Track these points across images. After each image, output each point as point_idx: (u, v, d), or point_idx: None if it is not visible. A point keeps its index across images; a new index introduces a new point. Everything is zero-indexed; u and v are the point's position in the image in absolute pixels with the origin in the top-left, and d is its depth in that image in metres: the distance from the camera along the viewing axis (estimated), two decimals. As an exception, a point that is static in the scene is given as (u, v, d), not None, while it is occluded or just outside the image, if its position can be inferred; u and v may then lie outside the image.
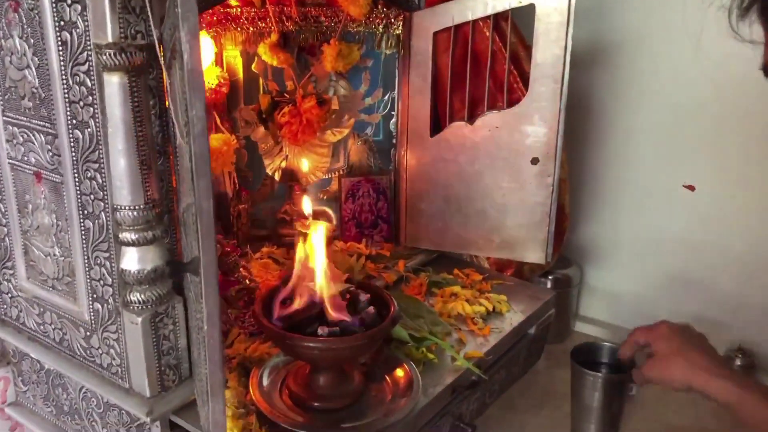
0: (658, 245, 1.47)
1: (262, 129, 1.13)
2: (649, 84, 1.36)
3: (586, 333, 1.49)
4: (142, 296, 0.75)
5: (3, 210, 0.87)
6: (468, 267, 1.19)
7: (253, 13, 1.04)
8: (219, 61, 1.07)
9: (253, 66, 1.11)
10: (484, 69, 1.08)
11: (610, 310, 1.56)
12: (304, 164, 1.18)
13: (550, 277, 1.51)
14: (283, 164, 1.17)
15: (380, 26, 1.11)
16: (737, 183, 1.32)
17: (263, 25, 1.06)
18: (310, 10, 1.08)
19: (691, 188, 1.38)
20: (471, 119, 1.10)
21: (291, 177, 1.18)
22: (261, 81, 1.13)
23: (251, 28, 1.05)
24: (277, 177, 1.17)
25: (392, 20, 1.10)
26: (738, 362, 1.35)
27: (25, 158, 0.81)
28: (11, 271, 0.90)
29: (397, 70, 1.15)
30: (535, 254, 1.11)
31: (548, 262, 1.21)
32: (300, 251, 0.83)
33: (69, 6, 0.68)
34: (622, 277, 1.53)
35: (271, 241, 1.16)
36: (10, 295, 0.91)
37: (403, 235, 1.21)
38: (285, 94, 1.12)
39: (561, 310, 1.54)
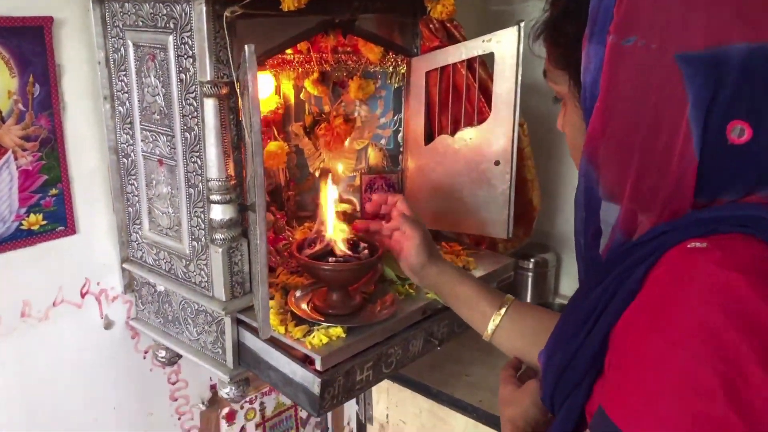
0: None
1: (306, 139, 1.60)
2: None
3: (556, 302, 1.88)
4: (222, 236, 1.21)
5: (136, 185, 1.36)
6: (453, 241, 1.62)
7: (301, 58, 1.51)
8: (278, 91, 1.55)
9: (301, 95, 1.58)
10: (461, 97, 1.52)
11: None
12: (339, 167, 1.64)
13: (531, 260, 1.92)
14: (321, 165, 1.63)
15: (390, 67, 1.56)
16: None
17: (308, 66, 1.53)
18: (341, 56, 1.54)
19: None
20: (453, 133, 1.54)
21: (327, 174, 1.64)
22: (306, 105, 1.60)
23: (300, 69, 1.52)
24: (317, 174, 1.63)
25: (398, 63, 1.56)
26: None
27: (153, 151, 1.29)
28: (139, 226, 1.38)
29: (402, 98, 1.60)
30: (498, 231, 1.53)
31: (517, 240, 1.62)
32: (321, 214, 1.29)
33: (185, 59, 1.16)
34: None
35: (311, 220, 1.62)
36: (137, 242, 1.40)
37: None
38: (323, 115, 1.59)
39: (540, 287, 1.95)
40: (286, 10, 1.18)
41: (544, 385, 0.73)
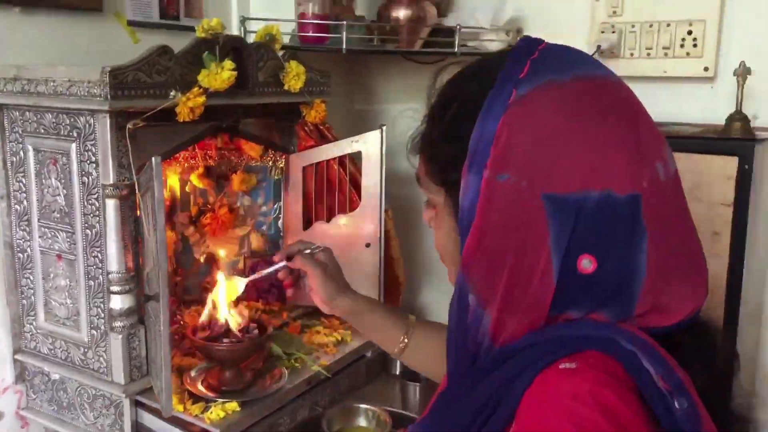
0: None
1: (192, 228, 1.73)
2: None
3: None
4: (122, 323, 1.32)
5: (31, 279, 1.43)
6: (330, 317, 1.79)
7: (187, 155, 1.66)
8: (164, 184, 1.68)
9: (186, 187, 1.72)
10: (334, 188, 1.73)
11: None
12: (221, 252, 1.78)
13: (400, 329, 2.11)
14: (206, 251, 1.76)
15: (270, 162, 1.75)
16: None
17: (194, 161, 1.68)
18: (224, 153, 1.71)
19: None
20: (328, 219, 1.73)
21: (212, 259, 1.78)
22: (192, 197, 1.74)
23: (186, 164, 1.67)
24: (202, 260, 1.76)
25: (278, 159, 1.75)
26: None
27: (51, 246, 1.38)
28: (33, 317, 1.45)
29: (282, 189, 1.78)
30: (371, 305, 1.72)
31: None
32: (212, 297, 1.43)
33: (88, 164, 1.29)
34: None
35: (198, 303, 1.74)
36: (30, 333, 1.46)
37: (288, 297, 1.80)
38: (208, 205, 1.74)
39: (409, 353, 2.14)
40: (181, 121, 1.34)
41: None
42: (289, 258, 1.22)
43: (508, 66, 0.71)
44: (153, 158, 1.13)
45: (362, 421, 1.48)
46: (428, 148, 0.78)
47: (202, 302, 1.73)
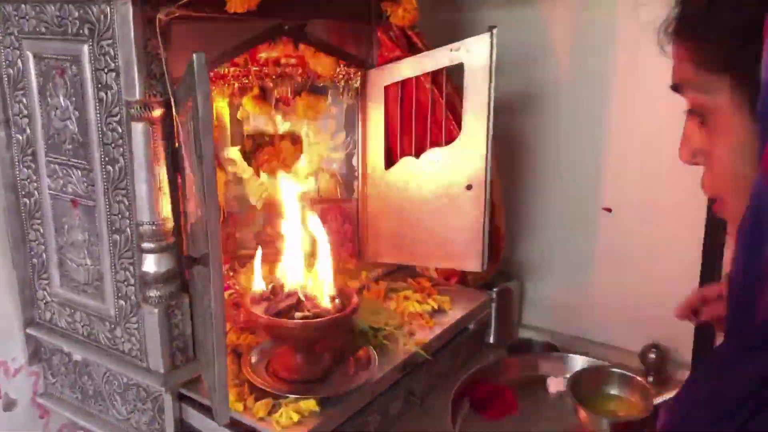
0: (585, 259, 1.72)
1: (246, 166, 1.37)
2: (569, 123, 1.63)
3: (528, 338, 1.73)
4: (158, 292, 0.97)
5: (42, 231, 1.09)
6: (419, 277, 1.43)
7: (238, 72, 1.28)
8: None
9: (238, 114, 1.35)
10: (426, 114, 1.34)
11: (548, 318, 1.80)
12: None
13: (494, 290, 1.74)
14: (264, 194, 1.40)
15: (342, 81, 1.36)
16: (647, 203, 1.58)
17: (246, 81, 1.30)
18: (285, 69, 1.33)
19: (609, 210, 1.64)
20: (417, 154, 1.35)
21: (270, 205, 1.41)
22: (244, 127, 1.37)
23: (236, 84, 1.29)
24: (258, 206, 1.40)
25: (351, 76, 1.35)
26: (653, 356, 1.58)
27: (64, 189, 1.03)
28: (46, 281, 1.11)
29: (356, 116, 1.40)
30: (473, 264, 1.35)
31: (485, 271, 1.44)
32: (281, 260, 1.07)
33: (106, 73, 0.92)
34: (556, 288, 1.78)
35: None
36: (44, 301, 1.13)
37: (366, 252, 1.44)
38: (265, 137, 1.37)
39: (504, 318, 1.78)
40: (232, 12, 0.96)
41: None
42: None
43: None
44: (195, 55, 0.76)
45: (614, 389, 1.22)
46: (699, 27, 0.58)
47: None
